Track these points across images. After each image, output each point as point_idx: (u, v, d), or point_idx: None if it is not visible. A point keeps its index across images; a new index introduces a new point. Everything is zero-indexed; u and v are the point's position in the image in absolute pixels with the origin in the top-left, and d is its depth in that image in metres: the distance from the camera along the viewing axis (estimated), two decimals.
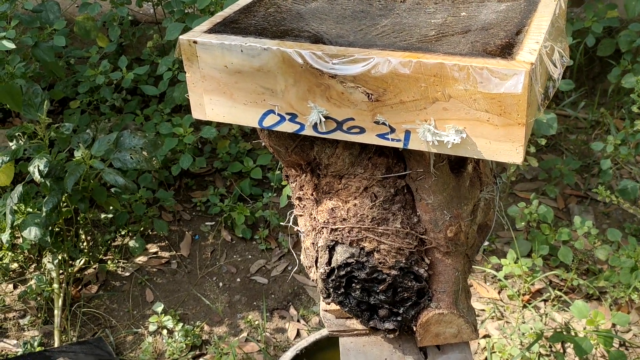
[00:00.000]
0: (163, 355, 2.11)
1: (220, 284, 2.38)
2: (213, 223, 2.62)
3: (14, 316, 2.23)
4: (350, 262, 1.07)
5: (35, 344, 2.07)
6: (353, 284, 1.09)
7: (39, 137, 2.04)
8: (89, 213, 2.41)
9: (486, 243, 2.52)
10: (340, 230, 1.08)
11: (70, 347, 2.01)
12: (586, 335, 1.89)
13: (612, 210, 2.61)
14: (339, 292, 1.11)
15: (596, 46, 2.93)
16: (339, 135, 0.97)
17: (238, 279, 2.40)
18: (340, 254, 1.08)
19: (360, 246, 1.07)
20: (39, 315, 2.21)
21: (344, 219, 1.08)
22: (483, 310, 2.25)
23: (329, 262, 1.09)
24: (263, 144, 1.16)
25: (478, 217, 1.24)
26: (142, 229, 2.52)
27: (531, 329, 2.08)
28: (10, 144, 2.12)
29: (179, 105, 2.88)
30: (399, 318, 1.11)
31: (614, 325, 2.14)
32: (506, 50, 0.87)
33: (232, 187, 2.74)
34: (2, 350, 2.10)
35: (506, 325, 2.18)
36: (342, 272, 1.08)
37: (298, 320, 2.23)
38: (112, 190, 2.41)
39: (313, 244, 1.15)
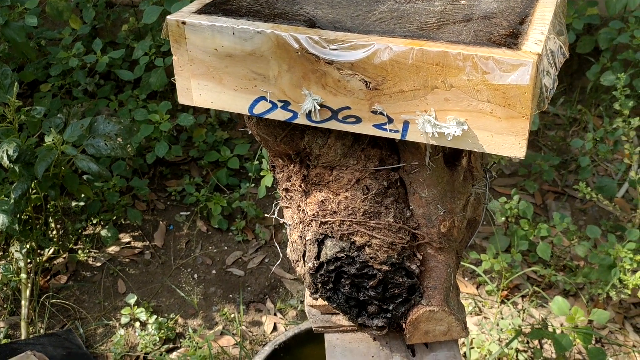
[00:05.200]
0: (135, 348, 2.05)
1: (195, 276, 2.32)
2: (188, 213, 2.56)
3: None
4: (340, 256, 1.03)
5: (1, 335, 1.99)
6: (342, 279, 1.06)
7: (7, 120, 1.95)
8: (59, 201, 2.33)
9: None
10: (330, 224, 1.04)
11: (38, 340, 1.94)
12: (564, 331, 1.88)
13: (588, 207, 2.62)
14: (328, 288, 1.07)
15: (576, 43, 2.93)
16: (333, 125, 0.93)
17: (213, 271, 2.35)
18: (330, 248, 1.04)
19: (351, 240, 1.03)
20: (5, 306, 2.13)
21: (335, 212, 1.04)
22: None
23: (317, 257, 1.05)
24: (250, 132, 1.11)
25: (468, 212, 1.22)
26: (114, 217, 2.45)
27: (510, 325, 2.07)
28: None
29: (155, 91, 2.81)
30: (389, 315, 1.08)
31: (590, 322, 2.15)
32: (511, 40, 0.84)
33: (208, 177, 2.68)
34: None
35: (484, 320, 2.17)
36: (332, 267, 1.04)
37: (275, 314, 2.19)
38: (84, 177, 2.33)
39: (301, 237, 1.11)
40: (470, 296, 2.27)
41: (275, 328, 2.14)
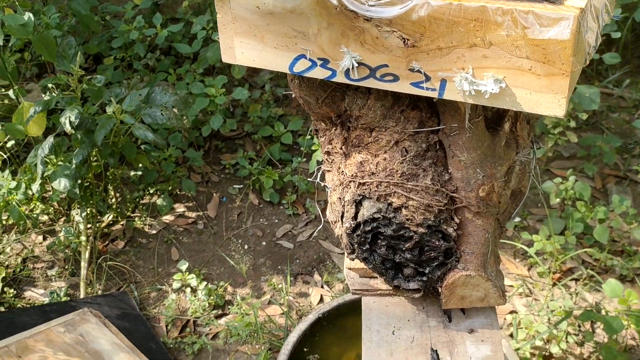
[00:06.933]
0: (186, 312, 2.11)
1: (246, 247, 2.37)
2: (241, 186, 2.61)
3: (43, 267, 2.26)
4: (377, 217, 1.04)
5: (62, 294, 2.09)
6: (379, 241, 1.06)
7: (71, 89, 2.03)
8: (118, 169, 2.41)
9: (518, 219, 2.46)
10: (368, 185, 1.05)
11: (95, 299, 2.02)
12: (617, 315, 1.83)
13: None
14: (364, 248, 1.07)
15: None
16: (371, 83, 0.93)
17: (263, 243, 2.39)
18: (367, 209, 1.05)
19: (388, 201, 1.03)
20: (66, 267, 2.23)
21: (373, 173, 1.04)
22: (511, 286, 2.21)
23: (355, 217, 1.06)
24: (293, 95, 1.13)
25: (512, 182, 1.20)
26: (170, 188, 2.52)
27: (560, 307, 2.03)
28: (44, 95, 2.12)
29: (212, 66, 2.86)
30: (424, 278, 1.08)
31: None
32: None
33: (261, 151, 2.72)
34: (29, 299, 2.13)
35: (534, 302, 2.14)
36: (368, 228, 1.05)
37: (322, 286, 2.22)
38: (142, 147, 2.40)
39: (340, 198, 1.12)
40: (520, 277, 2.23)
41: (321, 300, 2.16)
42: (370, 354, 1.10)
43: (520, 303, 2.15)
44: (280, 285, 2.21)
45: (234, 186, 2.61)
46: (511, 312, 2.12)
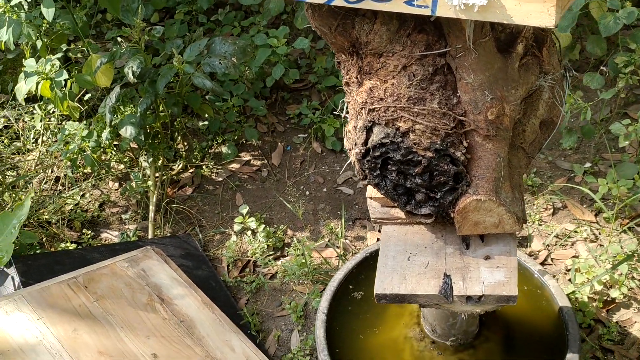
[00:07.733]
0: (246, 254, 2.20)
1: (307, 193, 2.42)
2: (305, 135, 2.65)
3: (118, 211, 2.42)
4: (385, 142, 1.05)
5: (131, 234, 2.24)
6: (389, 166, 1.08)
7: (134, 40, 2.14)
8: (185, 119, 2.52)
9: (588, 164, 2.37)
10: (377, 111, 1.06)
11: (161, 240, 2.15)
12: None
13: None
14: (375, 174, 1.09)
15: None
16: (367, 4, 0.94)
17: (324, 189, 2.43)
18: (376, 135, 1.06)
19: (396, 126, 1.04)
20: (138, 211, 2.38)
21: (381, 99, 1.05)
22: (575, 231, 2.14)
23: (365, 143, 1.08)
24: (312, 27, 1.14)
25: (540, 111, 1.17)
26: (236, 137, 2.61)
27: (623, 250, 1.95)
28: (114, 48, 2.24)
29: (278, 17, 2.90)
30: (436, 203, 1.08)
31: None
32: None
33: (326, 102, 2.75)
34: (105, 240, 2.30)
35: (598, 247, 2.06)
36: (377, 153, 1.07)
37: (378, 230, 2.24)
38: (207, 97, 2.49)
39: (354, 127, 1.14)
40: (586, 223, 2.16)
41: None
42: (384, 278, 1.12)
43: (584, 249, 2.08)
44: (337, 229, 2.25)
45: (299, 135, 2.66)
46: (573, 257, 2.07)
